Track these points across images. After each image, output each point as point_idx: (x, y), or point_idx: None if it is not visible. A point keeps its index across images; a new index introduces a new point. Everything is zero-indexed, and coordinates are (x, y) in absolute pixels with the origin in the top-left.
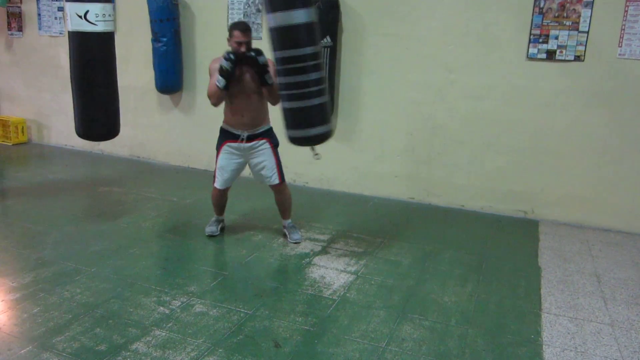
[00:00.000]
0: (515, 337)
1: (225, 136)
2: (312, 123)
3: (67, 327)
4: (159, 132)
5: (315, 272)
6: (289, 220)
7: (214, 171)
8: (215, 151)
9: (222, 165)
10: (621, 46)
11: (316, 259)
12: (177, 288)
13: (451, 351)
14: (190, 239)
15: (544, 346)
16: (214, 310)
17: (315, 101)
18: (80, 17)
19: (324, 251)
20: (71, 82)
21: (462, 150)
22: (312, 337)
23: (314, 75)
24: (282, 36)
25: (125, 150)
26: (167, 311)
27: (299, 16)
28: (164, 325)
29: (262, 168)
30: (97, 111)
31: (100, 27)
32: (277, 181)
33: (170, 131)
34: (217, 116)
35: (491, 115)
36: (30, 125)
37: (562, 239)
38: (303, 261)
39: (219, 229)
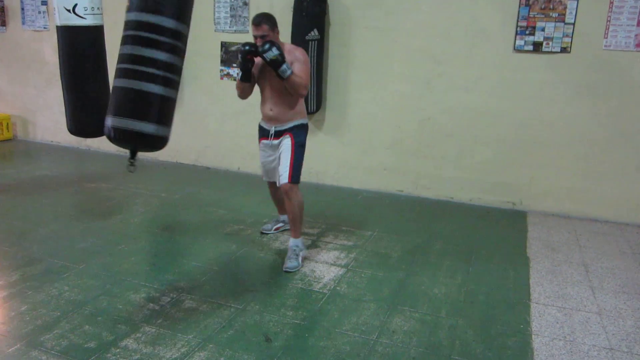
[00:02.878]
0: (504, 328)
1: (260, 132)
2: (142, 115)
3: (55, 324)
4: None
5: (305, 266)
6: (295, 241)
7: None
8: None
9: (261, 161)
10: (607, 37)
11: (306, 253)
12: (167, 284)
13: (441, 342)
14: (179, 235)
15: (533, 336)
16: (204, 306)
17: (156, 89)
18: (69, 10)
19: (313, 245)
20: (61, 78)
21: (451, 142)
22: (302, 331)
23: (164, 57)
24: None
25: (112, 146)
26: (156, 307)
27: None
28: (154, 321)
29: (278, 164)
30: (89, 107)
31: (89, 21)
32: (285, 180)
33: None
34: (204, 111)
35: (479, 108)
36: (15, 122)
37: (550, 229)
38: None
39: (272, 227)
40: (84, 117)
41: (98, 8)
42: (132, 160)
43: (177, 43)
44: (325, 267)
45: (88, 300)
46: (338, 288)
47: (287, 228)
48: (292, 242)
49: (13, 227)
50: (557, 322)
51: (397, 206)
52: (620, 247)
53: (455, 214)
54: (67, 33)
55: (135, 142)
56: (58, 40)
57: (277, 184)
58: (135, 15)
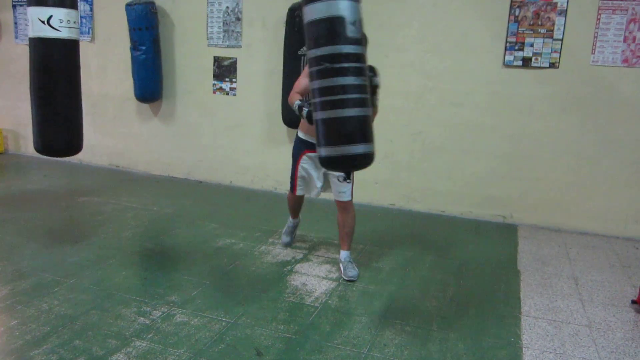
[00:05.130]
0: (495, 341)
1: (305, 146)
2: (349, 139)
3: (45, 339)
4: (139, 141)
5: (296, 280)
6: (347, 252)
7: (293, 179)
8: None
9: (303, 175)
10: (594, 53)
11: (298, 267)
12: (158, 298)
13: (432, 355)
14: (171, 249)
15: (523, 349)
16: (195, 320)
17: (352, 112)
18: (43, 22)
19: (305, 259)
20: (30, 92)
21: (442, 156)
22: (294, 345)
23: (351, 80)
24: (320, 30)
25: (104, 159)
26: (147, 321)
27: (342, 8)
28: (145, 335)
29: (338, 182)
30: (58, 124)
31: (64, 34)
32: (348, 198)
33: (149, 140)
34: (197, 125)
35: (469, 122)
36: (7, 135)
37: (541, 242)
38: (284, 269)
39: (293, 238)
40: (52, 134)
41: (74, 22)
42: (348, 180)
43: (357, 65)
44: (316, 281)
45: (78, 314)
46: (329, 302)
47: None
48: (345, 254)
49: (3, 241)
50: (547, 335)
51: (388, 220)
52: (609, 260)
53: (446, 228)
54: (41, 45)
55: (346, 163)
56: (30, 53)
57: (337, 199)
58: (315, 51)
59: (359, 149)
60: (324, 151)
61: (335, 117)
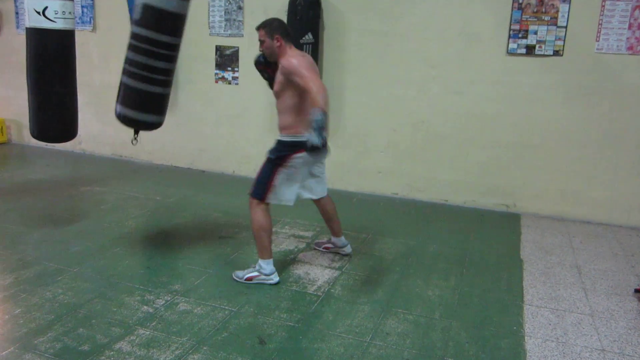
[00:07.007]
0: (498, 329)
1: (295, 146)
2: (148, 108)
3: (49, 327)
4: (141, 131)
5: (299, 269)
6: (259, 262)
7: (266, 185)
8: None
9: (289, 175)
10: (599, 41)
11: (300, 256)
12: (161, 287)
13: (435, 344)
14: (174, 238)
15: (526, 337)
16: (199, 308)
17: (157, 89)
18: (39, 13)
19: (308, 247)
20: (27, 80)
21: (445, 145)
22: (296, 333)
23: (162, 64)
24: (148, 15)
25: (107, 149)
26: (151, 310)
27: (171, 3)
28: (148, 324)
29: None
30: (53, 112)
31: (59, 25)
32: (249, 190)
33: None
34: (199, 115)
35: (473, 110)
36: (10, 125)
37: (544, 231)
38: (287, 258)
39: (322, 246)
40: (47, 121)
41: (70, 12)
42: (136, 136)
43: (172, 53)
44: (319, 270)
45: (82, 303)
46: (332, 290)
47: (338, 252)
48: (254, 267)
49: (7, 231)
50: (550, 324)
51: (391, 209)
52: (612, 249)
53: (450, 217)
54: (36, 35)
55: (139, 126)
56: (26, 42)
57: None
58: (140, 30)
59: (151, 118)
60: (122, 109)
61: (138, 87)
